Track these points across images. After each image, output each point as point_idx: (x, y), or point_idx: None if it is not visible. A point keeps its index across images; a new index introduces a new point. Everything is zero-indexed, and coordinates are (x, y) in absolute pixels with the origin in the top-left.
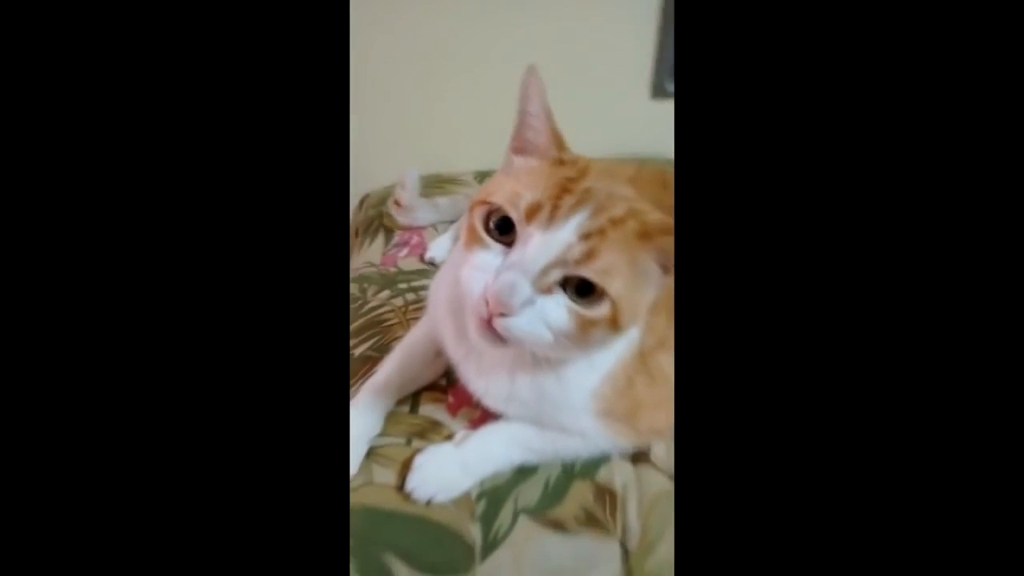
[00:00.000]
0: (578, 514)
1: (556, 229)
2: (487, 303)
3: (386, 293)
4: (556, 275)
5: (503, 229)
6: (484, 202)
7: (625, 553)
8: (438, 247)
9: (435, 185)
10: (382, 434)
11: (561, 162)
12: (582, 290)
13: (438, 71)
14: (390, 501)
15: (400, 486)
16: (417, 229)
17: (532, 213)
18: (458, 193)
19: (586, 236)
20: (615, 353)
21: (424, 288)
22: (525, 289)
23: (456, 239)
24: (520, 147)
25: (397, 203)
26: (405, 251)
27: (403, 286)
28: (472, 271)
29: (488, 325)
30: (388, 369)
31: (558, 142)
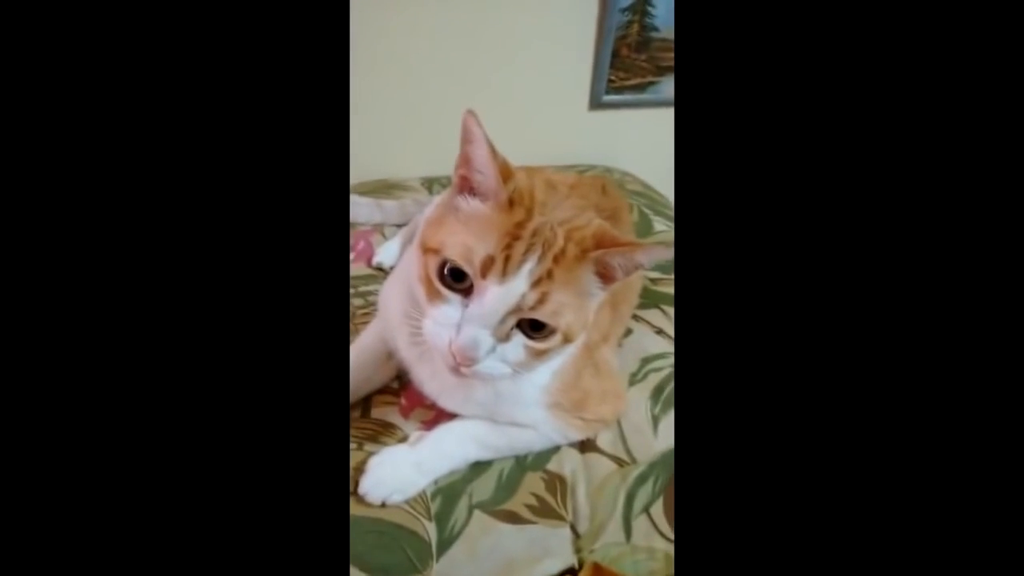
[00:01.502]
0: (531, 503)
1: (510, 280)
2: (453, 356)
3: None
4: (512, 321)
5: (458, 277)
6: (435, 250)
7: (576, 536)
8: (386, 252)
9: (382, 190)
10: None
11: (510, 203)
12: (535, 327)
13: (382, 78)
14: None
15: (353, 491)
16: (364, 234)
17: (486, 268)
18: (405, 197)
19: (536, 282)
20: (564, 353)
21: (373, 293)
22: (487, 341)
23: (404, 245)
24: (467, 187)
25: None
26: (352, 256)
27: (351, 292)
28: (436, 327)
29: (456, 370)
30: None
31: (506, 177)
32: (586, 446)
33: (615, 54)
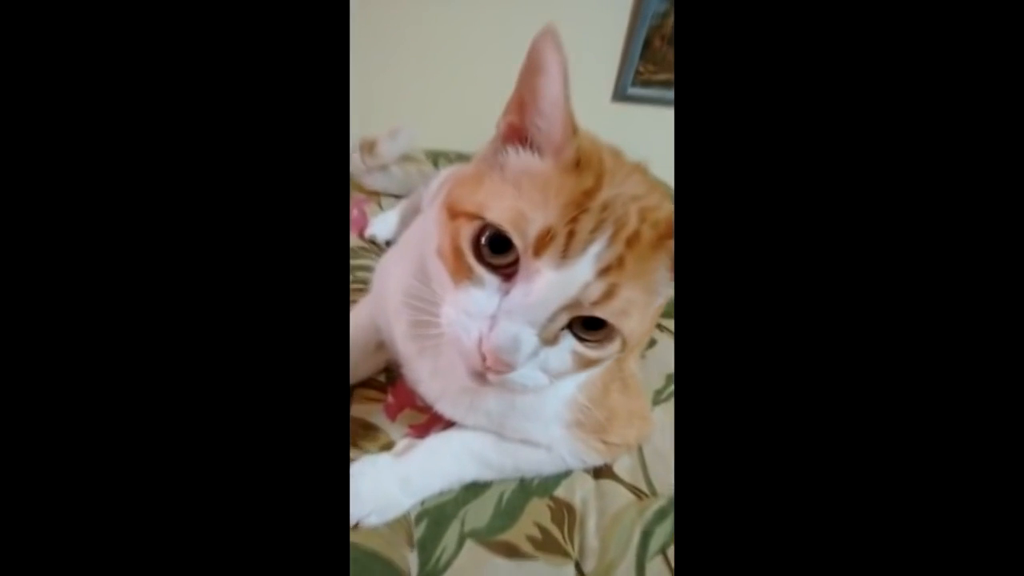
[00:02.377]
0: (533, 535)
1: (572, 263)
2: (483, 358)
3: None
4: (565, 318)
5: (499, 249)
6: (473, 216)
7: None
8: (382, 224)
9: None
10: None
11: (577, 165)
12: (591, 325)
13: (391, 50)
14: None
15: None
16: (358, 201)
17: (543, 244)
18: (410, 168)
19: (604, 271)
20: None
21: (364, 269)
22: (531, 343)
23: (403, 220)
24: (518, 137)
25: (370, 149)
26: None
27: None
28: (461, 317)
29: (481, 376)
30: None
31: (575, 134)
32: (601, 472)
33: (647, 44)
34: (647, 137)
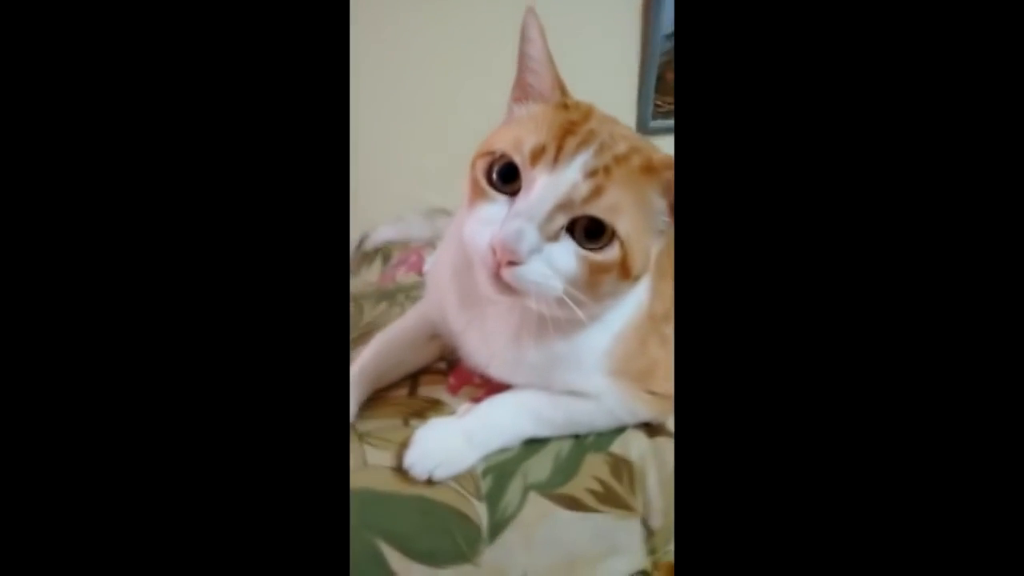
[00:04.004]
0: (595, 489)
1: (561, 170)
2: (494, 252)
3: (384, 305)
4: (562, 219)
5: (506, 177)
6: (485, 153)
7: (649, 533)
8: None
9: (437, 214)
10: (375, 417)
11: (565, 106)
12: (590, 232)
13: (434, 115)
14: (386, 482)
15: (398, 467)
16: (416, 249)
17: (536, 156)
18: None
19: (591, 174)
20: (625, 313)
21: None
22: (532, 235)
23: None
24: (521, 94)
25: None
26: (404, 268)
27: (400, 297)
28: (477, 225)
29: (497, 276)
30: (362, 358)
31: (561, 86)
32: (655, 430)
33: (660, 79)
34: None
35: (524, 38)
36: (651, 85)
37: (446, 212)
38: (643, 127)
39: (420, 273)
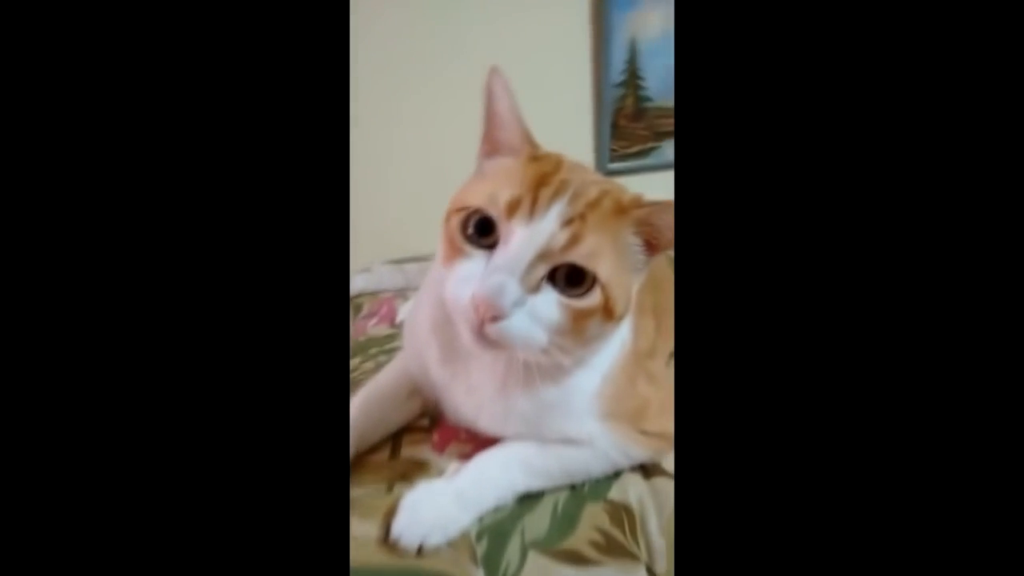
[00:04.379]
0: (596, 540)
1: (538, 220)
2: (477, 309)
3: (356, 360)
4: (543, 269)
5: (483, 231)
6: (460, 209)
7: None
8: (408, 310)
9: (407, 262)
10: (357, 484)
11: (535, 158)
12: (571, 280)
13: (406, 165)
14: (372, 556)
15: (384, 538)
16: (387, 300)
17: (512, 208)
18: (428, 260)
19: (568, 222)
20: (611, 353)
21: (397, 349)
22: (514, 289)
23: None
24: (491, 149)
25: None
26: (375, 320)
27: (374, 351)
28: (457, 283)
29: (481, 332)
30: None
31: (530, 139)
32: (651, 471)
33: (614, 125)
34: None
35: (491, 96)
36: (606, 131)
37: (415, 259)
38: (601, 170)
39: (392, 324)
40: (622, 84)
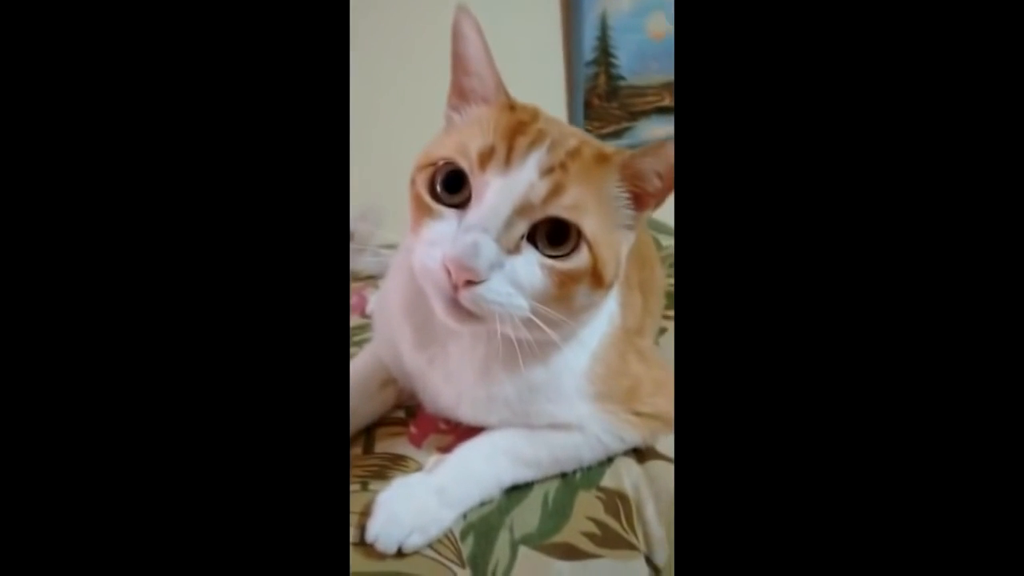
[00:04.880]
0: (590, 531)
1: (515, 170)
2: (449, 273)
3: None
4: (522, 226)
5: (453, 187)
6: (426, 165)
7: (654, 571)
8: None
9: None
10: None
11: (511, 107)
12: (554, 238)
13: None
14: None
15: (360, 541)
16: (357, 289)
17: (486, 158)
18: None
19: (548, 171)
20: (599, 329)
21: (368, 341)
22: (490, 248)
23: None
24: (459, 100)
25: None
26: None
27: None
28: (426, 247)
29: (455, 301)
30: None
31: (503, 87)
32: (645, 455)
33: (587, 105)
34: None
35: (459, 36)
36: (579, 111)
37: (392, 247)
38: None
39: (363, 315)
40: (594, 62)
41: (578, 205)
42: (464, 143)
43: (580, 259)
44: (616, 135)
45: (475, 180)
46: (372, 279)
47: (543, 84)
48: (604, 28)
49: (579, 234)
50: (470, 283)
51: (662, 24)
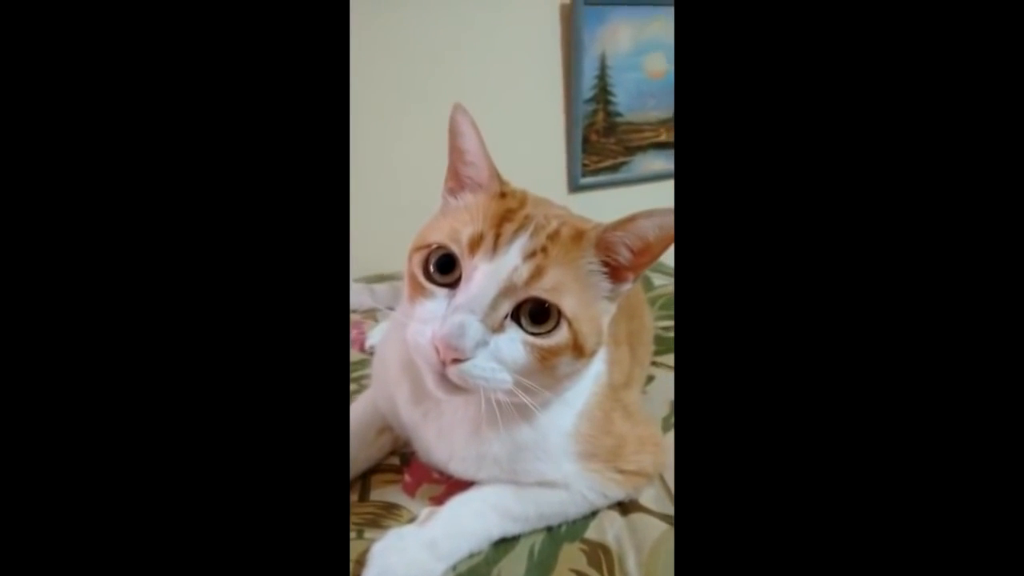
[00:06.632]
0: None
1: (500, 256)
2: (438, 351)
3: None
4: (506, 306)
5: (444, 269)
6: (421, 247)
7: None
8: (378, 334)
9: (375, 281)
10: None
11: (503, 195)
12: (536, 317)
13: (368, 178)
14: None
15: None
16: (356, 323)
17: (475, 245)
18: (398, 280)
19: (530, 255)
20: (586, 388)
21: (366, 377)
22: (476, 328)
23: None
24: (456, 185)
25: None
26: None
27: None
28: (418, 324)
29: (443, 376)
30: None
31: (497, 175)
32: (628, 507)
33: (586, 140)
34: (606, 214)
35: (456, 133)
36: (578, 146)
37: (383, 278)
38: (574, 185)
39: (362, 350)
40: (592, 99)
41: (557, 286)
42: (456, 229)
43: (560, 336)
44: (613, 169)
45: (465, 264)
46: (371, 312)
47: (544, 119)
48: (603, 67)
49: (559, 313)
50: (457, 360)
51: (660, 64)
